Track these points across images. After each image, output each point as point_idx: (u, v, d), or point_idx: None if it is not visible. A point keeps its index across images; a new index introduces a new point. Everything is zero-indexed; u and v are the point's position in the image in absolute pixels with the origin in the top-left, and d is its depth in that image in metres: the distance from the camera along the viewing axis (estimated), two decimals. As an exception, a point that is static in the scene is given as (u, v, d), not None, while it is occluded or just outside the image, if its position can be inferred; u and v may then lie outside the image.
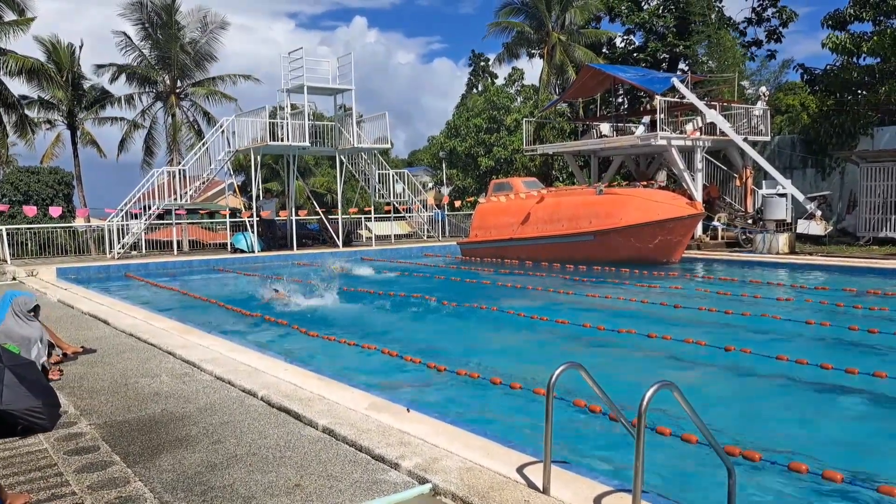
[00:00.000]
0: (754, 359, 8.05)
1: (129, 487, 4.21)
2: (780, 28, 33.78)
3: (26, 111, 31.37)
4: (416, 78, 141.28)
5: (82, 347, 8.17)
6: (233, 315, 12.09)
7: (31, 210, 22.76)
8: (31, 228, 23.53)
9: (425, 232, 28.34)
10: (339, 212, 25.46)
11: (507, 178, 25.71)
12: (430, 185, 43.03)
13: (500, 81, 46.81)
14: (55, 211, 23.21)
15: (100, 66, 33.30)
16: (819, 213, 21.15)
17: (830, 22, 25.81)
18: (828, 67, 26.32)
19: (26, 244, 23.38)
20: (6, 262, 21.04)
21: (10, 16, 29.16)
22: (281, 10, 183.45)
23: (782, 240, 19.50)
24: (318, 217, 27.41)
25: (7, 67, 28.84)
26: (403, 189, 27.80)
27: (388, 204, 28.26)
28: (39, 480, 4.36)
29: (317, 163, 46.46)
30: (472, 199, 32.80)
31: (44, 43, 31.46)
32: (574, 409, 6.15)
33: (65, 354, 7.75)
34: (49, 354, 7.23)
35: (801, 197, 21.29)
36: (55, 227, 23.94)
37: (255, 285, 16.15)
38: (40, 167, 29.04)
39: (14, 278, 17.18)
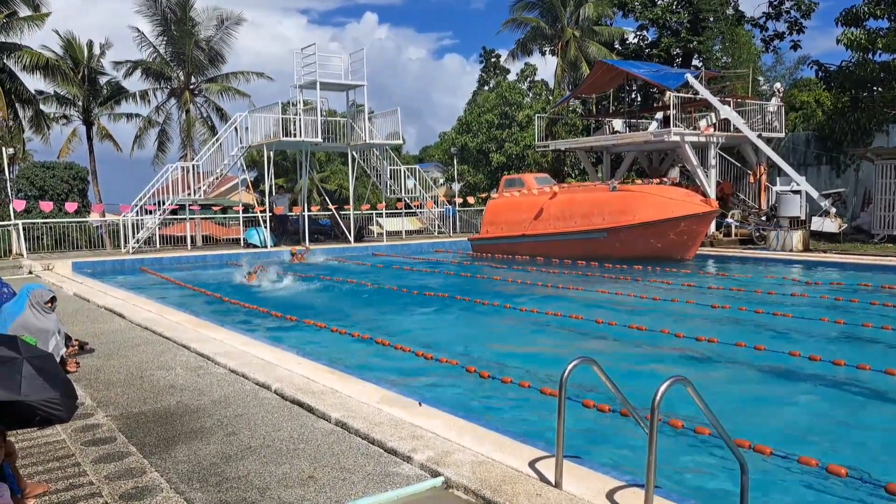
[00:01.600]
0: (767, 355, 8.03)
1: (145, 478, 4.27)
2: (802, 19, 33.30)
3: (42, 106, 31.66)
4: (426, 74, 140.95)
5: (76, 341, 7.89)
6: (245, 311, 12.19)
7: (46, 205, 22.97)
8: (47, 223, 23.75)
9: (436, 228, 28.35)
10: (351, 207, 25.54)
11: (518, 174, 25.58)
12: (442, 181, 43.02)
13: (511, 77, 46.72)
14: (70, 206, 23.43)
15: (117, 63, 33.58)
16: (833, 210, 20.97)
17: (845, 19, 25.52)
18: (843, 64, 26.03)
19: (42, 239, 23.62)
20: (22, 256, 21.28)
21: (24, 11, 29.37)
22: (292, 6, 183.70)
23: (796, 237, 19.37)
24: (329, 213, 27.50)
25: (22, 63, 29.06)
26: (415, 185, 27.83)
27: (399, 200, 28.28)
28: (57, 470, 4.43)
29: (329, 159, 46.60)
30: (483, 195, 32.77)
31: (60, 39, 31.76)
32: (586, 405, 6.16)
33: (80, 347, 7.83)
34: (67, 346, 7.32)
35: (815, 194, 21.12)
36: (70, 222, 24.16)
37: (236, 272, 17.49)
38: (55, 162, 29.25)
39: (30, 272, 17.36)
